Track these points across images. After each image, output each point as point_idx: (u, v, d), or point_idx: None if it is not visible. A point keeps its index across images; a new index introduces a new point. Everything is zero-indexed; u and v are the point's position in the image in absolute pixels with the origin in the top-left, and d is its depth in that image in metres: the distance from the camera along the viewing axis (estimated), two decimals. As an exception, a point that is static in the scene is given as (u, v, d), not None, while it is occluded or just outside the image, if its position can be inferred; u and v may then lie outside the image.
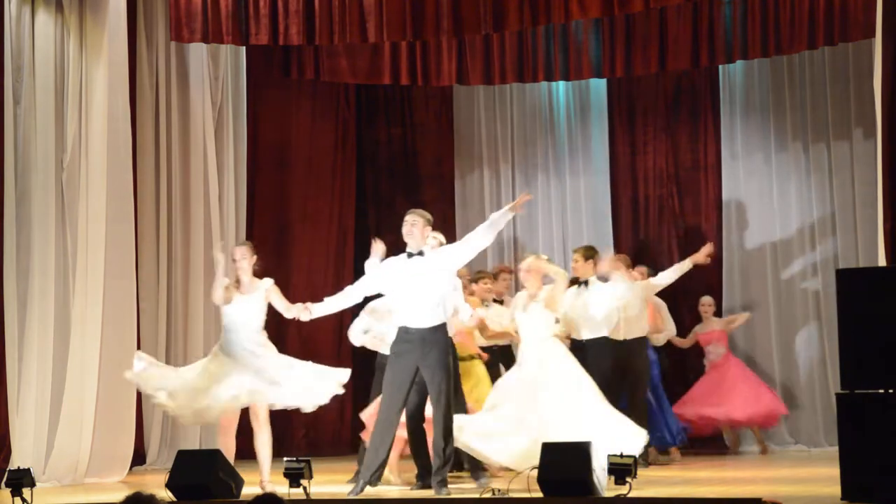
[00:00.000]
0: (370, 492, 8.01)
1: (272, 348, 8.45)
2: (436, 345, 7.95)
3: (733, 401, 10.70)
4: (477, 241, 8.06)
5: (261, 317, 8.44)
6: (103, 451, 9.57)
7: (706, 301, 11.27)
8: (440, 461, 8.02)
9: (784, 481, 8.29)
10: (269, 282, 8.49)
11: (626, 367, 9.69)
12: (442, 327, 8.02)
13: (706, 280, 11.44)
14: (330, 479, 8.77)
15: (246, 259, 8.45)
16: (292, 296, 11.66)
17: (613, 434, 7.88)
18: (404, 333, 8.04)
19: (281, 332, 11.37)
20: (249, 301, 8.39)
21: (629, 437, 7.96)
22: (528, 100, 12.43)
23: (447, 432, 8.00)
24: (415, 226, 8.07)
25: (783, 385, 11.37)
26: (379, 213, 12.55)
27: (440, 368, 7.93)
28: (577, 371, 8.35)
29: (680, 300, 11.31)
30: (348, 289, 8.35)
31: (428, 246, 8.15)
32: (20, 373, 9.47)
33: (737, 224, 11.74)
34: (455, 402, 8.16)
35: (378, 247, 8.42)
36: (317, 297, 11.82)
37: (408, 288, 8.05)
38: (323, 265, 12.14)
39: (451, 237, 11.91)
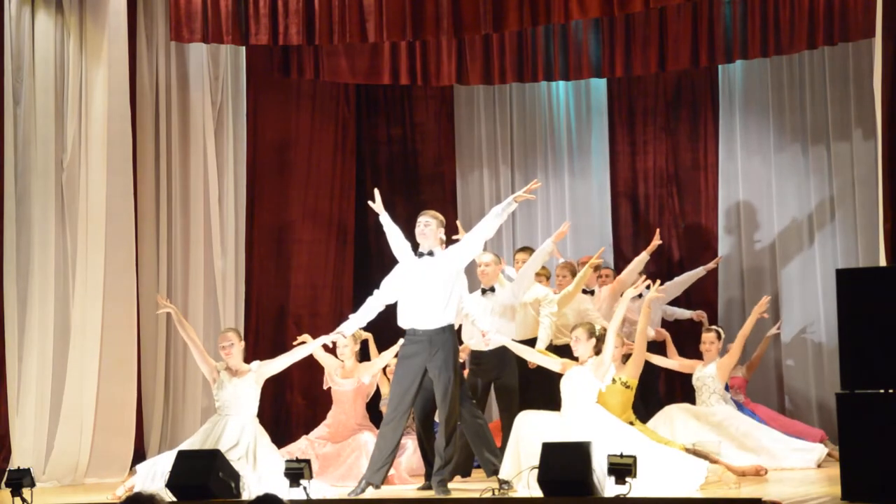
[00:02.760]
0: (371, 491, 8.01)
1: (265, 437, 8.39)
2: (442, 346, 7.97)
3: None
4: (483, 231, 8.11)
5: (255, 401, 8.41)
6: (103, 451, 9.57)
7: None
8: (441, 461, 8.03)
9: (784, 481, 8.28)
10: (256, 363, 8.48)
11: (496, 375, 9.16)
12: (449, 328, 8.03)
13: (704, 279, 11.43)
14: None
15: (234, 345, 8.43)
16: (292, 296, 11.77)
17: (673, 469, 7.76)
18: (412, 335, 8.07)
19: (280, 334, 11.39)
20: (242, 384, 8.37)
21: (690, 470, 7.78)
22: (528, 100, 12.42)
23: (451, 433, 8.00)
24: (428, 226, 8.13)
25: (783, 385, 11.36)
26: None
27: (446, 369, 7.95)
28: (622, 425, 8.18)
29: (680, 301, 11.31)
30: (369, 300, 8.33)
31: (440, 247, 8.17)
32: (20, 373, 9.47)
33: (736, 224, 11.73)
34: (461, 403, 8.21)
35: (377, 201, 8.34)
36: (317, 298, 11.94)
37: (416, 289, 8.07)
38: (323, 265, 12.13)
39: (451, 237, 11.97)
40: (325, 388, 9.45)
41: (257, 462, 8.14)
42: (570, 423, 7.92)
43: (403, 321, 8.17)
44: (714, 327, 10.12)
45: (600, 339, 8.24)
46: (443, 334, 7.99)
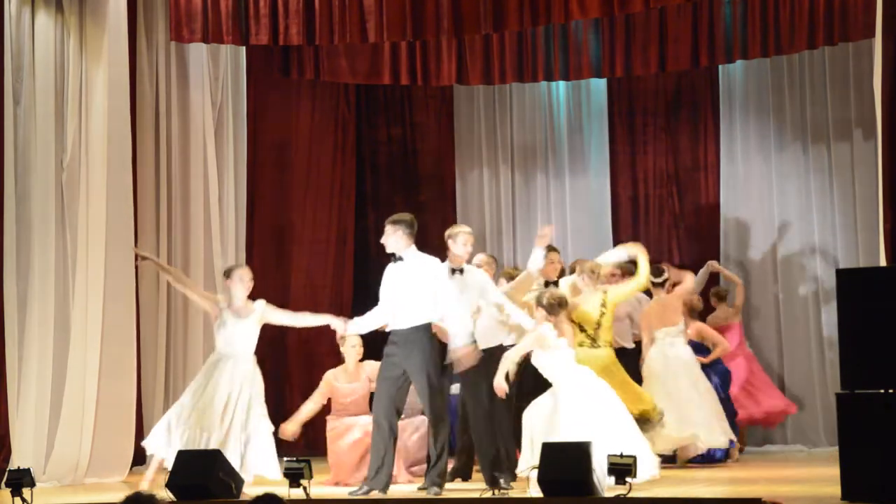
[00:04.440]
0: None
1: (259, 379, 8.45)
2: (416, 344, 8.00)
3: (753, 396, 10.61)
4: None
5: (255, 341, 8.48)
6: (103, 451, 9.56)
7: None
8: (433, 460, 8.05)
9: (784, 481, 8.28)
10: (262, 303, 8.52)
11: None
12: (423, 327, 8.03)
13: (706, 280, 11.44)
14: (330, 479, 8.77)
15: (244, 282, 8.47)
16: (292, 296, 11.76)
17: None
18: (392, 335, 8.14)
19: (280, 334, 11.38)
20: (245, 324, 8.41)
21: (643, 463, 7.73)
22: (528, 100, 12.42)
23: (437, 431, 8.02)
24: (387, 236, 8.18)
25: (784, 385, 11.37)
26: (378, 213, 12.52)
27: (423, 368, 7.98)
28: (606, 392, 8.20)
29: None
30: (376, 310, 8.37)
31: (410, 251, 8.14)
32: (20, 373, 9.46)
33: (736, 224, 11.74)
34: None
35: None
36: (316, 298, 11.94)
37: (391, 291, 8.17)
38: (322, 265, 12.13)
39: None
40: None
41: (249, 419, 8.20)
42: (561, 400, 7.96)
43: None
44: (659, 265, 10.03)
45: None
46: (416, 333, 8.01)
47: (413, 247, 8.18)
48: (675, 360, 9.60)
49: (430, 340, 8.09)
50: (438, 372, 8.07)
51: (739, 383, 10.53)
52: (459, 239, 8.28)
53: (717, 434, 9.47)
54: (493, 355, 8.35)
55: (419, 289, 8.07)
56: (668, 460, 9.32)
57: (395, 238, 8.15)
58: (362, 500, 7.87)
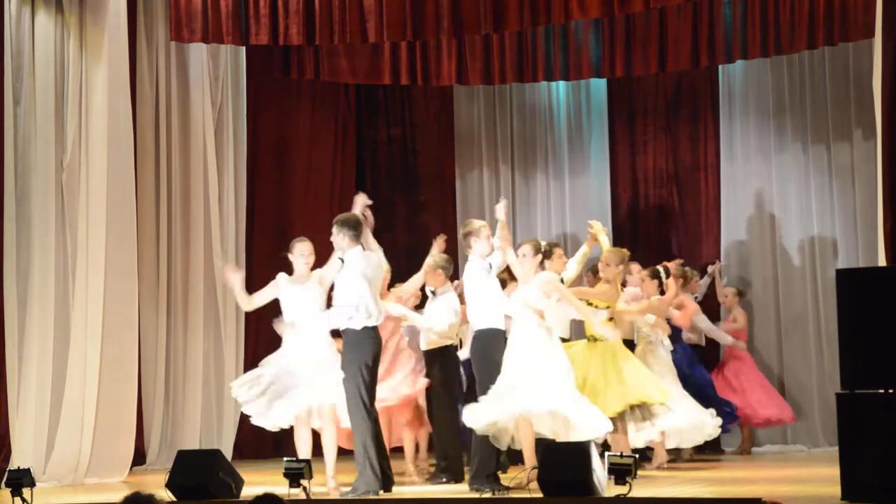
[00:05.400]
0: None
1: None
2: (346, 346, 8.07)
3: (749, 398, 10.66)
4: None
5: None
6: (103, 451, 9.57)
7: (730, 291, 11.22)
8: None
9: (784, 481, 8.28)
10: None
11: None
12: (357, 331, 8.02)
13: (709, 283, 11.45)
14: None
15: (304, 256, 8.49)
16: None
17: (580, 415, 7.82)
18: None
19: (279, 335, 11.37)
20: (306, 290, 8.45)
21: (595, 423, 7.84)
22: (528, 100, 12.43)
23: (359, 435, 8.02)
24: (333, 235, 8.22)
25: (784, 385, 11.37)
26: (378, 213, 12.43)
27: (347, 370, 8.01)
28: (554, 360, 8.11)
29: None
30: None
31: (351, 253, 8.16)
32: (20, 373, 9.47)
33: (736, 224, 11.73)
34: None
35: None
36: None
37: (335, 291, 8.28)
38: (322, 265, 12.10)
39: (451, 237, 11.94)
40: None
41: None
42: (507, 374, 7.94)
43: None
44: (655, 267, 9.96)
45: (546, 256, 8.25)
46: (348, 334, 8.06)
47: (358, 247, 8.18)
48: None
49: (361, 346, 8.04)
50: (360, 380, 8.00)
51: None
52: (483, 233, 8.25)
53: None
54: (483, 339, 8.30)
55: (351, 291, 8.09)
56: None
57: (338, 239, 8.21)
58: (361, 500, 7.86)
